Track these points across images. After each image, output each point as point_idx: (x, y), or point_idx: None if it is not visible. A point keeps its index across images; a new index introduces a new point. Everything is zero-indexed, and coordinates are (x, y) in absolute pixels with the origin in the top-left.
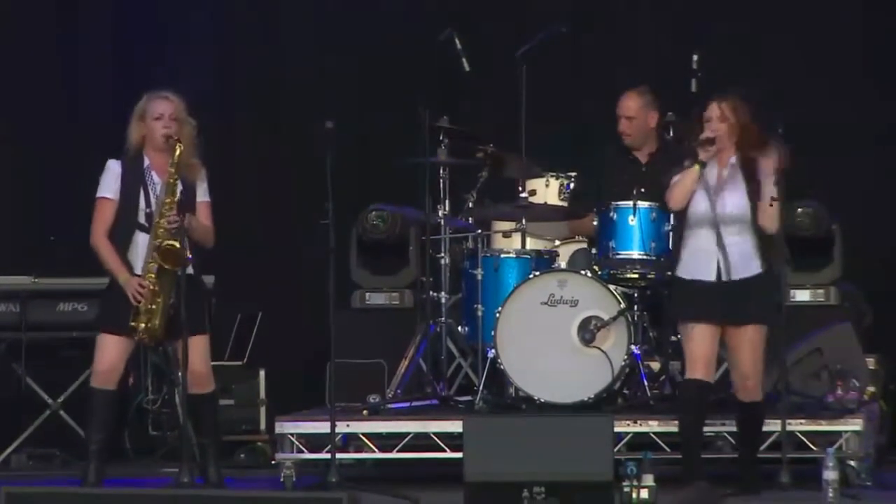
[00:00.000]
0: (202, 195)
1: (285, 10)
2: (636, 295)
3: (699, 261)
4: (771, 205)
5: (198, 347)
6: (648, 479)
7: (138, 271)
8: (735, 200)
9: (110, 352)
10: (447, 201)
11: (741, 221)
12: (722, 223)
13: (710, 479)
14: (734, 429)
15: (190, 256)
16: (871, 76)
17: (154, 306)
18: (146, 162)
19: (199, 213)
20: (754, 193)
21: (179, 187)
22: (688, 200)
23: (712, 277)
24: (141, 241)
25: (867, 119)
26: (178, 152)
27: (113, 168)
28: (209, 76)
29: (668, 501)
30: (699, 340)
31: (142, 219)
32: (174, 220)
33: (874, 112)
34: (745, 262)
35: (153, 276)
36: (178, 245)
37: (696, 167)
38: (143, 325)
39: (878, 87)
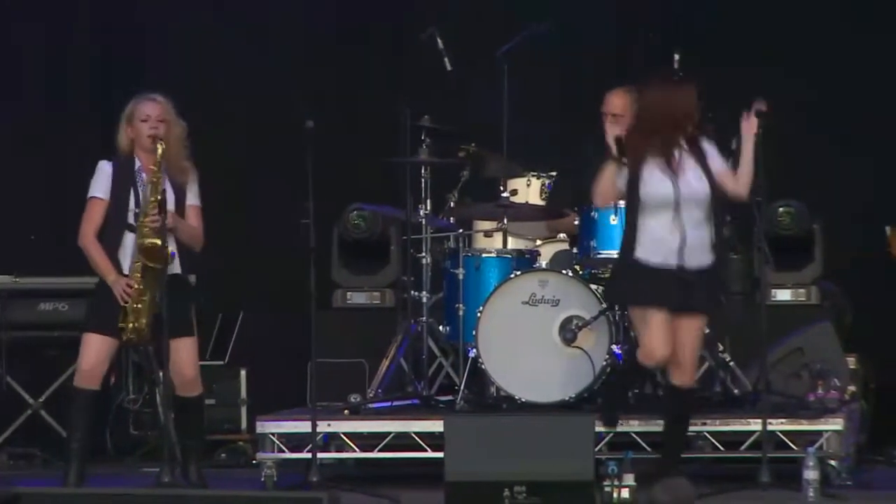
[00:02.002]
0: (192, 198)
1: (265, 7)
2: None
3: (661, 246)
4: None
5: (186, 350)
6: (629, 479)
7: (127, 271)
8: (695, 182)
9: (96, 351)
10: (428, 201)
11: (702, 205)
12: (684, 206)
13: (689, 478)
14: (715, 428)
15: (174, 253)
16: (851, 75)
17: (140, 305)
18: (137, 164)
19: (188, 215)
20: (708, 173)
21: (168, 188)
22: (611, 197)
23: (673, 263)
24: (130, 241)
25: (846, 118)
26: (160, 151)
27: (104, 169)
28: (189, 75)
29: (644, 499)
30: (658, 327)
31: (131, 219)
32: (156, 219)
33: (854, 111)
34: (702, 250)
35: (139, 275)
36: (159, 243)
37: (612, 164)
38: (130, 325)
39: (859, 86)
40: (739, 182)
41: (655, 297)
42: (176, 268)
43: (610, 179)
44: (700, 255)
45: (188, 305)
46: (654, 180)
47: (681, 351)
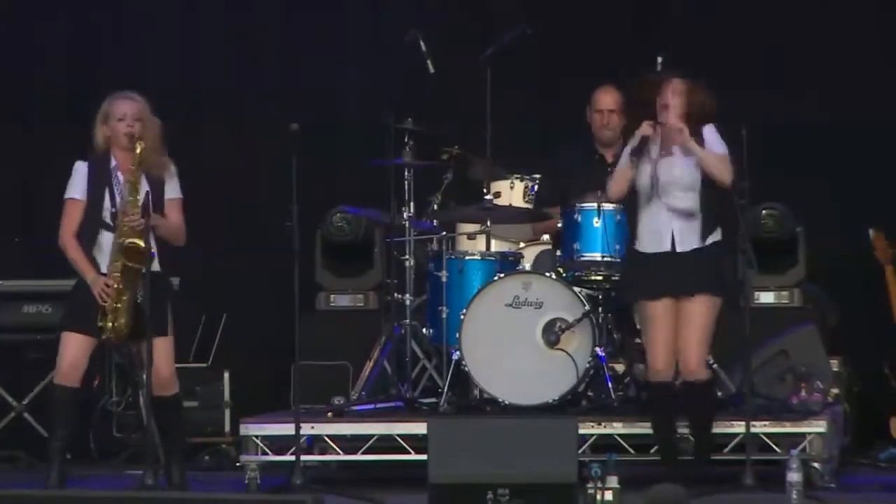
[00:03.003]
0: (171, 192)
1: (251, 9)
2: (601, 297)
3: (654, 234)
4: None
5: (161, 349)
6: (613, 481)
7: (104, 270)
8: (677, 169)
9: (73, 349)
10: (412, 203)
11: (688, 190)
12: (666, 192)
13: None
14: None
15: (153, 253)
16: (834, 76)
17: (119, 305)
18: (113, 162)
19: (168, 210)
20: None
21: (145, 187)
22: (626, 188)
23: (667, 248)
24: (106, 240)
25: (830, 120)
26: (138, 150)
27: (80, 169)
28: (174, 75)
29: (635, 502)
30: (659, 321)
31: (107, 218)
32: (136, 219)
33: (836, 112)
34: (695, 234)
35: (118, 274)
36: (141, 243)
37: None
38: (109, 325)
39: (842, 87)
40: (710, 167)
41: (651, 287)
42: (155, 266)
43: (627, 178)
44: (693, 239)
45: (165, 304)
46: (641, 171)
47: (684, 339)
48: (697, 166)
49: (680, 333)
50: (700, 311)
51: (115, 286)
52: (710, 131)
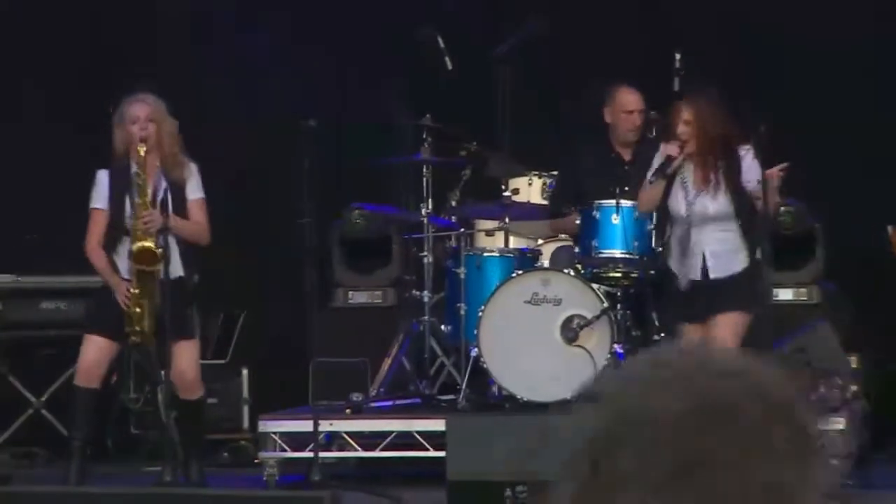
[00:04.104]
0: (193, 192)
1: (263, 4)
2: (619, 294)
3: (686, 259)
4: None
5: (186, 352)
6: None
7: (126, 275)
8: (714, 199)
9: (95, 352)
10: (430, 200)
11: (721, 222)
12: (698, 223)
13: None
14: None
15: (169, 255)
16: (855, 76)
17: (139, 309)
18: (133, 167)
19: (191, 210)
20: (737, 187)
21: (163, 185)
22: (657, 206)
23: (697, 276)
24: (127, 245)
25: (848, 118)
26: (141, 152)
27: (101, 179)
28: (188, 72)
29: None
30: (689, 333)
31: (128, 224)
32: (149, 220)
33: (855, 111)
34: (728, 260)
35: (135, 279)
36: (150, 245)
37: (662, 182)
38: (137, 328)
39: (862, 87)
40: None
41: (684, 312)
42: (178, 270)
43: (659, 196)
44: (726, 266)
45: (189, 308)
46: (674, 196)
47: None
48: (734, 199)
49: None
50: (726, 321)
51: (134, 290)
52: (748, 157)
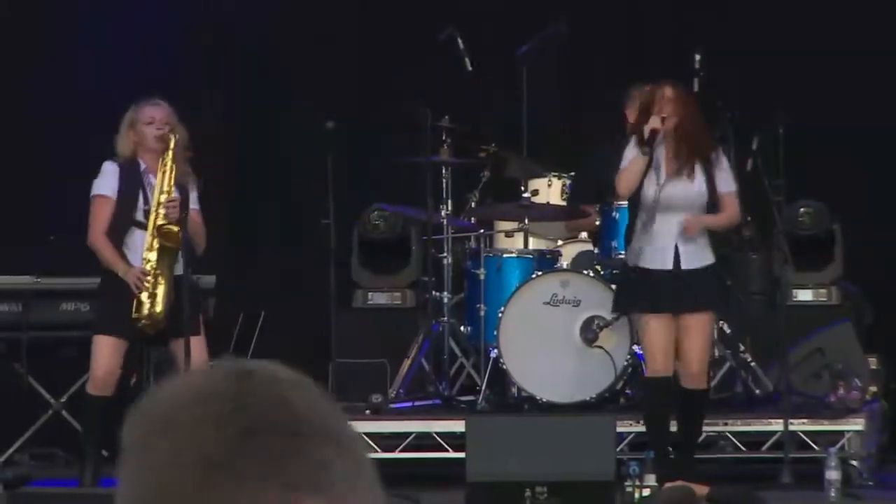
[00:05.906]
0: (193, 202)
1: (282, 5)
2: None
3: (657, 251)
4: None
5: (196, 347)
6: (650, 479)
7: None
8: (686, 187)
9: (107, 357)
10: (449, 201)
11: (695, 209)
12: (673, 210)
13: (702, 478)
14: (737, 428)
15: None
16: (873, 75)
17: (157, 291)
18: (142, 166)
19: (192, 218)
20: (709, 178)
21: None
22: (636, 187)
23: (669, 266)
24: (138, 238)
25: (868, 118)
26: (172, 143)
27: (109, 168)
28: (206, 73)
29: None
30: (659, 331)
31: (140, 216)
32: (174, 204)
33: (875, 111)
34: (700, 251)
35: (153, 261)
36: (175, 228)
37: (645, 158)
38: (146, 312)
39: (881, 86)
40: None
41: (650, 304)
42: (178, 269)
43: (640, 171)
44: (698, 257)
45: (197, 304)
46: (646, 185)
47: (688, 351)
48: (707, 188)
49: (683, 345)
50: (702, 323)
51: (152, 271)
52: (724, 161)
